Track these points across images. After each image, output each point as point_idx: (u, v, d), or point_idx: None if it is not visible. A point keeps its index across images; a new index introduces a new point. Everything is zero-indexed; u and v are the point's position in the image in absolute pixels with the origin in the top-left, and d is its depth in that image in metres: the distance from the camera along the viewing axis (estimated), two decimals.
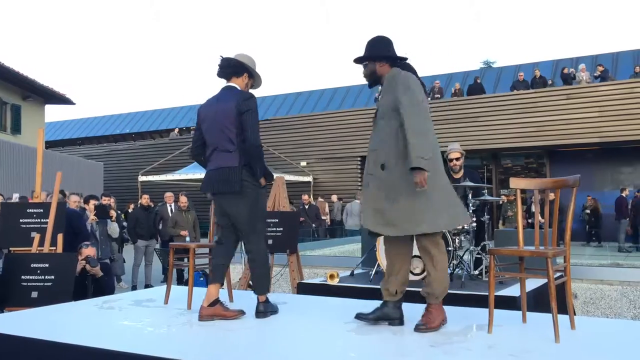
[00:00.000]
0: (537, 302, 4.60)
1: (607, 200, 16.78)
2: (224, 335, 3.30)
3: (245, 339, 3.20)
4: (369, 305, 4.14)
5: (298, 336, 3.28)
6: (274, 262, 6.88)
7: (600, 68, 17.71)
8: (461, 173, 5.83)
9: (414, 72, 3.32)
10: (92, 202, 8.02)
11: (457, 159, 5.84)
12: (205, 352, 2.94)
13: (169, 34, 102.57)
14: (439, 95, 19.70)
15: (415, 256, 5.09)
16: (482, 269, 5.35)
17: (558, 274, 3.31)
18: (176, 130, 25.64)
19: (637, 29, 62.71)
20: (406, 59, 3.39)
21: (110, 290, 5.62)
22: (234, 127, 3.50)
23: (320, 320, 3.73)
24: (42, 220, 5.50)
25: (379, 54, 3.39)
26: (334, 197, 17.57)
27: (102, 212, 8.63)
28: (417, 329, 3.21)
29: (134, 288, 9.14)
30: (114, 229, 9.17)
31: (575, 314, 3.39)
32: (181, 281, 9.52)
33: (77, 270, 5.39)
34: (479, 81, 20.03)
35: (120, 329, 3.44)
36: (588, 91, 16.70)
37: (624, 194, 15.29)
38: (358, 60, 3.49)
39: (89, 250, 5.57)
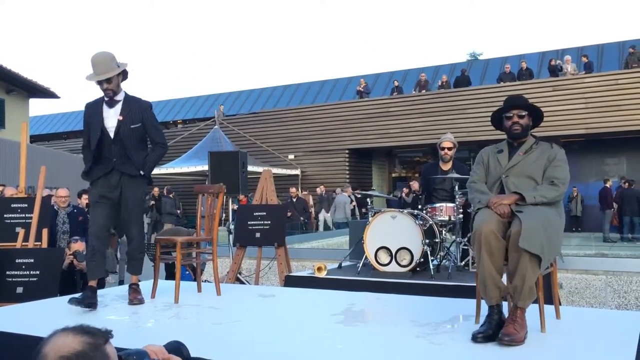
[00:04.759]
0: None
1: (591, 192, 16.96)
2: (212, 328, 3.30)
3: (232, 332, 3.20)
4: (358, 298, 4.15)
5: (286, 328, 3.28)
6: (262, 255, 6.88)
7: (585, 59, 17.83)
8: (450, 165, 5.85)
9: None
10: (85, 197, 7.94)
11: (448, 149, 5.86)
12: (193, 346, 2.92)
13: (157, 27, 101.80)
14: (425, 90, 19.73)
15: (402, 248, 5.14)
16: (468, 260, 5.39)
17: None
18: (221, 107, 24.93)
19: (623, 21, 63.26)
20: None
21: (99, 285, 5.58)
22: None
23: (308, 312, 3.74)
24: (26, 215, 5.44)
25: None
26: (319, 190, 17.42)
27: None
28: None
29: (120, 283, 9.09)
30: None
31: (560, 304, 3.42)
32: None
33: (65, 264, 5.36)
34: (466, 73, 20.08)
35: (106, 323, 3.40)
36: (574, 83, 16.82)
37: (607, 185, 15.47)
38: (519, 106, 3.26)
39: (77, 245, 5.54)
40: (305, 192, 17.29)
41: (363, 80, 21.73)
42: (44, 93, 21.92)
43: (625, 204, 14.57)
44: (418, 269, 5.14)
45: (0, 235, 5.39)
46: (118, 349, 1.46)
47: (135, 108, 4.03)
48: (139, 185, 4.06)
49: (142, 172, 3.99)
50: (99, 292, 4.63)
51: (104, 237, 4.01)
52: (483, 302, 3.21)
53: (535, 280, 2.86)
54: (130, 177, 3.99)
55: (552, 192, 3.06)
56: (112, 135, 3.97)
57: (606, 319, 3.48)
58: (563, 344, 2.82)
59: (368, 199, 6.02)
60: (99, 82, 3.92)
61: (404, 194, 15.00)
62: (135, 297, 4.01)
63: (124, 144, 3.97)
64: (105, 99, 4.00)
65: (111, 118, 3.98)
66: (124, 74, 4.04)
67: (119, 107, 4.00)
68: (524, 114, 3.25)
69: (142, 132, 4.07)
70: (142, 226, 4.11)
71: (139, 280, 4.18)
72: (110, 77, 3.90)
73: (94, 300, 3.82)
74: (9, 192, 7.10)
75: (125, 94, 4.07)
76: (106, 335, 1.38)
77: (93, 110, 4.05)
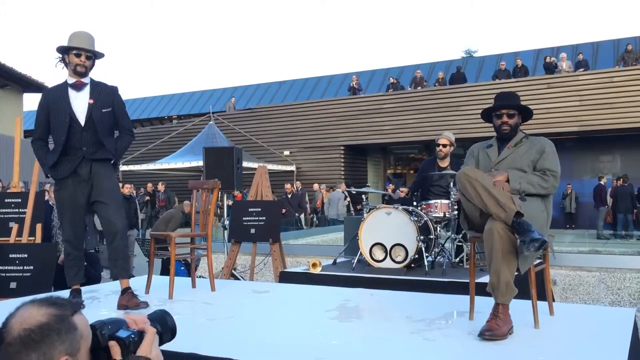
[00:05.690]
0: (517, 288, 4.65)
1: (586, 189, 17.02)
2: (207, 324, 3.29)
3: (227, 328, 3.20)
4: (352, 294, 4.16)
5: (280, 324, 3.28)
6: (257, 251, 6.88)
7: (580, 56, 17.88)
8: (447, 162, 5.86)
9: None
10: None
11: (443, 146, 5.88)
12: (187, 341, 2.93)
13: (153, 22, 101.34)
14: (419, 87, 19.72)
15: (396, 244, 5.14)
16: (463, 257, 5.40)
17: (538, 261, 3.36)
18: (232, 100, 24.85)
19: (617, 19, 63.41)
20: None
21: (95, 281, 5.57)
22: None
23: (302, 308, 3.74)
24: (20, 210, 5.42)
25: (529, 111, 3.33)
26: (315, 186, 17.49)
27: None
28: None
29: (115, 278, 9.07)
30: None
31: (554, 300, 3.43)
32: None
33: (60, 259, 5.33)
34: (461, 70, 20.09)
35: (100, 319, 3.41)
36: (568, 80, 16.85)
37: (602, 182, 15.52)
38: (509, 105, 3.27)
39: None
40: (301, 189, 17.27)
41: (355, 77, 21.72)
42: (39, 88, 21.77)
43: (620, 201, 14.63)
44: (413, 265, 5.15)
45: None
46: None
47: (104, 91, 3.73)
48: (112, 173, 3.78)
49: (112, 160, 3.73)
50: (94, 287, 4.64)
51: (80, 240, 3.80)
52: (477, 298, 3.22)
53: (510, 275, 2.82)
54: (102, 165, 3.67)
55: (541, 181, 3.07)
56: (82, 121, 3.61)
57: (600, 315, 3.49)
58: (556, 340, 2.83)
59: (363, 195, 6.02)
60: (78, 54, 3.62)
61: (389, 191, 15.04)
62: (135, 302, 3.69)
63: (96, 130, 3.62)
64: (71, 81, 3.66)
65: (80, 102, 3.64)
66: (94, 61, 3.76)
67: (87, 90, 3.67)
68: (513, 112, 3.26)
69: (112, 118, 3.75)
70: (124, 217, 3.78)
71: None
72: (91, 52, 3.66)
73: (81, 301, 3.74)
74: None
75: (91, 78, 3.76)
76: (75, 306, 1.29)
77: (55, 96, 3.66)
